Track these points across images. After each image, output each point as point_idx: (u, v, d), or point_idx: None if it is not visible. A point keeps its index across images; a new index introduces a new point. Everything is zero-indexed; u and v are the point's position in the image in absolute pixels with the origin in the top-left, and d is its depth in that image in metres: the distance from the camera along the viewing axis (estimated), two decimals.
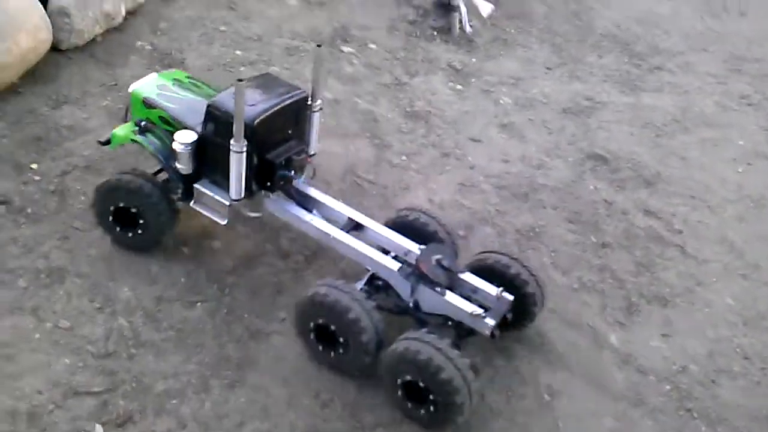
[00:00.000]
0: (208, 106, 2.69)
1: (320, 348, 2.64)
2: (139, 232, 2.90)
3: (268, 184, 2.77)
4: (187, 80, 3.08)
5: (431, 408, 2.44)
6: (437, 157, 3.85)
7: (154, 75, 3.08)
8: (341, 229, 2.80)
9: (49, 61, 3.98)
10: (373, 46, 4.66)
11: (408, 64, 4.54)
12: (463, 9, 4.88)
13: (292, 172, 2.79)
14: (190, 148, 2.70)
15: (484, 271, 2.73)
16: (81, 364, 2.65)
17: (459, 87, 4.42)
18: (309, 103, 2.83)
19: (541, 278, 2.81)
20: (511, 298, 2.63)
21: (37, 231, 3.09)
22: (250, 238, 3.17)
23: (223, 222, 2.80)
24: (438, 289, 2.58)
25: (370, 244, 2.78)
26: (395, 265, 2.66)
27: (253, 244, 3.16)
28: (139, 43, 4.31)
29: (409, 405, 2.51)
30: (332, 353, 2.63)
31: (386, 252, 2.81)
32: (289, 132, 2.78)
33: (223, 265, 3.06)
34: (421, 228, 2.86)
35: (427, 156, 3.84)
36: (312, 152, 2.92)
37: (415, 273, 2.62)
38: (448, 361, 2.35)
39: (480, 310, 2.52)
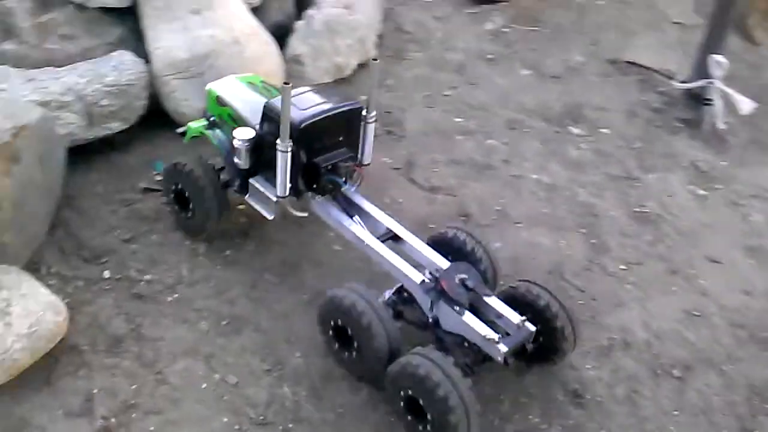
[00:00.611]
0: (264, 106, 2.86)
1: (337, 347, 2.67)
2: (189, 215, 3.10)
3: (315, 186, 2.88)
4: (260, 84, 3.26)
5: (428, 426, 2.39)
6: (663, 273, 3.31)
7: (231, 77, 3.30)
8: (378, 238, 2.83)
9: None
10: (606, 130, 4.23)
11: (643, 157, 4.04)
12: (719, 102, 4.29)
13: (340, 177, 2.88)
14: (247, 144, 2.86)
15: (515, 299, 2.65)
16: (237, 427, 2.52)
17: (701, 192, 3.84)
18: (364, 114, 2.92)
19: (572, 312, 2.62)
20: (533, 328, 2.53)
21: (230, 275, 3.06)
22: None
23: (270, 217, 2.92)
24: (457, 308, 2.54)
25: (405, 257, 2.78)
26: (418, 278, 2.65)
27: None
28: (363, 97, 4.26)
29: (409, 419, 2.46)
30: (347, 354, 2.64)
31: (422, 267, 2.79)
32: (340, 139, 2.90)
33: None
34: (460, 246, 2.82)
35: (650, 269, 3.32)
36: (366, 162, 3.02)
37: (436, 289, 2.59)
38: (446, 379, 2.30)
39: (494, 335, 2.46)
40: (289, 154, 2.72)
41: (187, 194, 3.06)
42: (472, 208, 3.54)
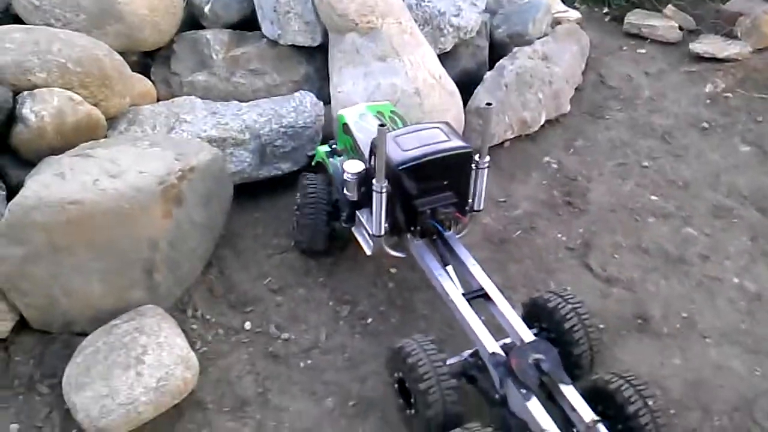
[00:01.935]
0: (372, 142, 2.73)
1: (400, 400, 2.52)
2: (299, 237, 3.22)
3: (413, 228, 2.77)
4: (389, 114, 3.15)
5: None
6: None
7: (362, 104, 3.25)
8: (466, 294, 2.64)
9: None
10: None
11: None
12: None
13: (440, 222, 2.75)
14: (355, 177, 2.83)
15: (599, 394, 2.35)
16: None
17: None
18: (476, 159, 2.80)
19: (661, 417, 2.27)
20: (604, 431, 2.19)
21: (367, 347, 2.88)
22: None
23: (368, 252, 2.88)
24: (523, 391, 2.29)
25: (492, 320, 2.60)
26: (491, 349, 2.43)
27: None
28: (547, 158, 3.91)
29: None
30: (407, 411, 2.48)
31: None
32: (444, 183, 2.75)
33: None
34: (557, 317, 2.54)
35: None
36: (477, 208, 2.90)
37: (505, 365, 2.36)
38: None
39: (555, 430, 2.19)
40: (384, 195, 2.66)
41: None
42: (652, 311, 3.05)
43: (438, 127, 2.88)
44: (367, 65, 3.59)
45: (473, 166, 2.82)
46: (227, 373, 2.76)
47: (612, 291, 3.15)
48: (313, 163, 3.30)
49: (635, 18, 5.09)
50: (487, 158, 2.83)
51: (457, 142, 2.79)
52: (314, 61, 3.90)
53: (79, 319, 2.81)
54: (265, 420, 2.61)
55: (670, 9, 5.09)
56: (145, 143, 3.04)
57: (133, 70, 3.60)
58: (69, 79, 3.10)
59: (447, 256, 2.84)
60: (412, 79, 3.56)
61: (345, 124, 3.12)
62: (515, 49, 4.17)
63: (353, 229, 3.01)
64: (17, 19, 3.50)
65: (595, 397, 2.34)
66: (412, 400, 2.42)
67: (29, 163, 3.00)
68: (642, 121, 4.23)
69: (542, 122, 4.07)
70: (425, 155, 2.70)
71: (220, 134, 3.40)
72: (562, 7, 5.00)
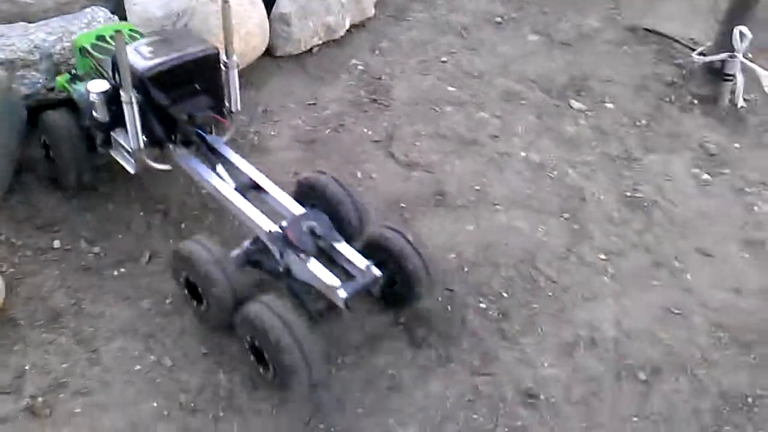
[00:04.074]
0: (113, 57, 2.70)
1: (192, 300, 2.64)
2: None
3: (174, 137, 2.81)
4: (127, 32, 3.08)
5: (270, 370, 2.42)
6: (646, 266, 3.07)
7: (99, 27, 3.24)
8: (237, 188, 2.75)
9: (260, 65, 3.89)
10: (610, 105, 3.94)
11: (647, 136, 3.75)
12: (740, 78, 3.93)
13: (200, 127, 2.81)
14: (102, 96, 2.77)
15: (372, 246, 2.64)
16: (166, 413, 2.44)
17: (705, 176, 3.54)
18: (224, 60, 2.84)
19: (426, 255, 2.59)
20: (378, 273, 2.51)
21: None
22: None
23: (132, 170, 2.88)
24: (302, 255, 2.50)
25: (265, 208, 2.73)
26: (267, 228, 2.59)
27: None
28: (354, 61, 4.06)
29: (259, 368, 2.48)
30: (198, 306, 2.62)
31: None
32: (196, 87, 2.79)
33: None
34: (324, 193, 2.77)
35: (632, 261, 3.08)
36: (235, 109, 2.94)
37: (283, 238, 2.55)
38: (278, 321, 2.31)
39: (334, 281, 2.43)
40: (135, 106, 2.63)
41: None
42: (448, 187, 3.34)
43: (177, 33, 2.95)
44: None
45: (222, 66, 2.87)
46: (38, 290, 2.75)
47: (413, 174, 3.40)
48: (53, 93, 3.18)
49: None
50: (235, 57, 2.88)
51: (201, 45, 2.83)
52: None
53: None
54: (80, 327, 2.65)
55: None
56: None
57: None
58: None
59: (213, 159, 2.88)
60: None
61: (82, 48, 3.04)
62: None
63: (112, 151, 2.97)
64: None
65: (368, 250, 2.62)
66: (201, 295, 2.55)
67: None
68: (442, 20, 4.47)
69: (347, 27, 4.20)
70: (170, 60, 2.73)
71: (7, 56, 3.24)
72: None
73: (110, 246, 2.94)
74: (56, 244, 2.93)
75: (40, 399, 2.43)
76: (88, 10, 3.54)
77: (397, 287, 2.64)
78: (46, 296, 2.74)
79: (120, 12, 3.64)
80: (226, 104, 2.94)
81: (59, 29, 3.41)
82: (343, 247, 2.59)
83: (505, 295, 2.87)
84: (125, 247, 2.95)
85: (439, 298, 2.82)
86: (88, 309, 2.71)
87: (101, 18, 3.50)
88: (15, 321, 2.65)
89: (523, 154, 3.56)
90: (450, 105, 3.82)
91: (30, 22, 3.47)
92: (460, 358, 2.64)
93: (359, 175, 3.36)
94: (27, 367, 2.52)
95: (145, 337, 2.64)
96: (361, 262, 2.54)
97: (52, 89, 3.12)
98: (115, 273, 2.85)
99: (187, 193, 3.18)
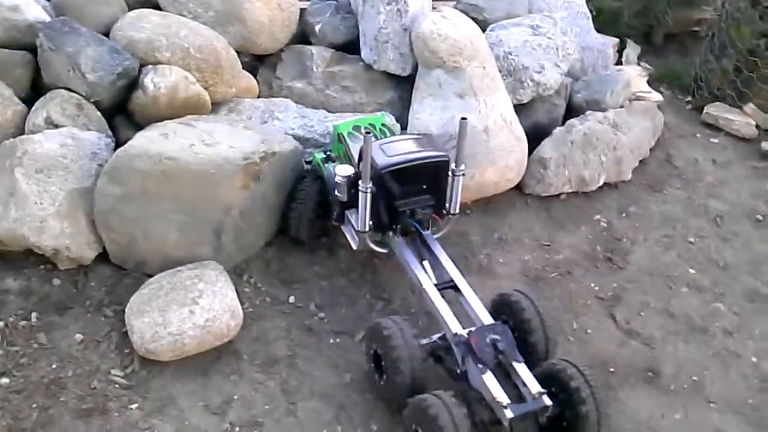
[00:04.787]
0: (361, 149, 3.01)
1: (375, 373, 2.83)
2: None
3: (394, 226, 3.15)
4: (379, 126, 3.57)
5: None
6: None
7: (356, 117, 3.70)
8: (438, 285, 2.99)
9: (508, 197, 4.12)
10: None
11: None
12: None
13: (418, 222, 3.14)
14: (346, 180, 3.16)
15: (550, 376, 2.67)
16: None
17: None
18: (453, 168, 3.18)
19: (601, 400, 2.58)
20: (548, 402, 2.56)
21: None
22: None
23: (354, 247, 3.24)
24: (480, 366, 2.62)
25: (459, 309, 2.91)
26: (455, 330, 2.76)
27: None
28: (598, 217, 4.13)
29: None
30: (379, 379, 2.80)
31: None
32: (423, 187, 3.15)
33: None
34: (518, 313, 2.90)
35: None
36: (453, 212, 3.28)
37: (466, 344, 2.68)
38: (451, 422, 2.40)
39: (505, 399, 2.52)
40: (369, 195, 3.00)
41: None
42: (665, 368, 3.21)
43: (420, 138, 3.36)
44: (447, 99, 3.94)
45: (450, 173, 3.19)
46: (266, 334, 3.10)
47: (630, 343, 3.32)
48: (308, 168, 3.61)
49: (715, 110, 5.27)
50: (463, 166, 3.19)
51: (436, 151, 3.19)
52: (400, 89, 4.28)
53: (151, 261, 3.22)
54: (289, 378, 2.92)
55: (750, 107, 5.25)
56: (240, 125, 3.48)
57: (243, 68, 4.10)
58: (188, 61, 3.60)
59: (424, 252, 3.17)
60: (483, 117, 3.89)
61: (339, 134, 3.49)
62: (588, 112, 4.45)
63: (343, 227, 3.37)
64: (156, 7, 4.05)
65: (546, 379, 2.66)
66: (384, 367, 2.75)
67: (140, 126, 3.48)
68: (698, 203, 4.40)
69: (601, 183, 4.31)
70: (406, 161, 3.09)
71: (304, 134, 3.81)
72: (647, 88, 5.24)
73: (334, 315, 3.23)
74: (291, 299, 3.29)
75: (237, 429, 2.70)
76: (378, 114, 4.04)
77: (564, 423, 2.64)
78: (270, 342, 3.06)
79: (403, 120, 4.11)
80: (446, 206, 3.27)
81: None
82: (521, 368, 2.67)
83: None
84: (346, 320, 3.22)
85: None
86: (301, 365, 2.98)
87: (387, 123, 3.97)
88: (239, 354, 2.99)
89: (754, 359, 3.33)
90: (687, 287, 3.70)
91: (330, 112, 4.05)
92: None
93: (575, 326, 3.36)
94: (236, 397, 2.82)
95: (338, 407, 2.84)
96: (534, 387, 2.60)
97: (309, 163, 3.62)
98: (331, 341, 3.12)
99: (411, 290, 3.40)
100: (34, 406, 2.67)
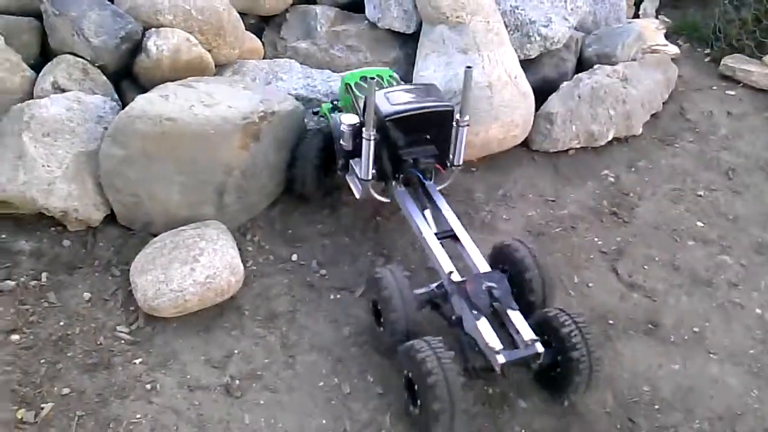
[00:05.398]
0: (365, 98, 3.05)
1: (375, 323, 2.87)
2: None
3: (397, 175, 3.15)
4: (387, 78, 3.59)
5: (417, 407, 2.55)
6: None
7: (364, 69, 3.68)
8: (438, 234, 2.99)
9: (514, 154, 4.10)
10: None
11: None
12: None
13: (421, 172, 3.12)
14: (350, 129, 3.16)
15: (544, 323, 2.69)
16: None
17: None
18: (457, 118, 3.16)
19: (593, 346, 2.60)
20: (541, 349, 2.58)
21: None
22: None
23: (357, 196, 3.26)
24: (474, 312, 2.63)
25: (455, 256, 2.92)
26: (448, 270, 2.78)
27: None
28: (606, 172, 4.09)
29: (406, 396, 2.62)
30: (378, 327, 2.83)
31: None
32: (427, 137, 3.13)
33: None
34: (518, 262, 2.90)
35: None
36: (456, 163, 3.26)
37: (461, 290, 2.70)
38: (439, 369, 2.43)
39: (498, 345, 2.54)
40: (372, 143, 3.01)
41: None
42: (665, 320, 3.20)
43: (426, 88, 3.34)
44: (450, 56, 3.91)
45: (454, 123, 3.17)
46: (267, 291, 3.16)
47: (632, 296, 3.32)
48: (316, 117, 3.65)
49: (732, 61, 5.14)
50: (467, 117, 3.16)
51: (440, 101, 3.18)
52: (405, 47, 4.27)
53: (156, 221, 3.29)
54: (288, 333, 2.99)
55: None
56: (240, 86, 3.50)
57: (248, 30, 4.11)
58: (190, 23, 3.63)
59: (425, 202, 3.16)
60: (487, 73, 3.86)
61: (347, 84, 3.51)
62: (596, 66, 4.38)
63: (347, 176, 3.38)
64: None
65: (540, 327, 2.68)
66: (381, 315, 2.79)
67: (145, 90, 3.52)
68: (710, 156, 4.33)
69: (609, 138, 4.26)
70: (410, 109, 3.08)
71: (307, 94, 3.83)
72: (663, 41, 5.12)
73: (335, 272, 3.28)
74: (294, 257, 3.35)
75: (237, 381, 2.78)
76: (385, 68, 4.03)
77: (556, 372, 2.67)
78: (272, 298, 3.13)
79: (409, 79, 4.09)
80: (450, 157, 3.26)
81: None
82: (515, 316, 2.69)
83: None
84: (347, 277, 3.27)
85: (618, 425, 2.71)
86: (301, 320, 3.05)
87: (390, 79, 3.96)
88: (241, 310, 3.07)
89: (758, 311, 3.30)
90: (693, 240, 3.67)
91: (334, 72, 4.05)
92: None
93: (576, 279, 3.37)
94: (236, 352, 2.90)
95: (335, 360, 2.90)
96: (528, 334, 2.62)
97: (316, 113, 3.64)
98: (332, 297, 3.17)
99: (412, 246, 3.43)
100: (43, 361, 2.78)
